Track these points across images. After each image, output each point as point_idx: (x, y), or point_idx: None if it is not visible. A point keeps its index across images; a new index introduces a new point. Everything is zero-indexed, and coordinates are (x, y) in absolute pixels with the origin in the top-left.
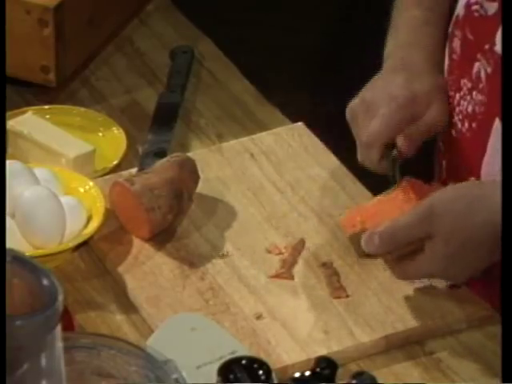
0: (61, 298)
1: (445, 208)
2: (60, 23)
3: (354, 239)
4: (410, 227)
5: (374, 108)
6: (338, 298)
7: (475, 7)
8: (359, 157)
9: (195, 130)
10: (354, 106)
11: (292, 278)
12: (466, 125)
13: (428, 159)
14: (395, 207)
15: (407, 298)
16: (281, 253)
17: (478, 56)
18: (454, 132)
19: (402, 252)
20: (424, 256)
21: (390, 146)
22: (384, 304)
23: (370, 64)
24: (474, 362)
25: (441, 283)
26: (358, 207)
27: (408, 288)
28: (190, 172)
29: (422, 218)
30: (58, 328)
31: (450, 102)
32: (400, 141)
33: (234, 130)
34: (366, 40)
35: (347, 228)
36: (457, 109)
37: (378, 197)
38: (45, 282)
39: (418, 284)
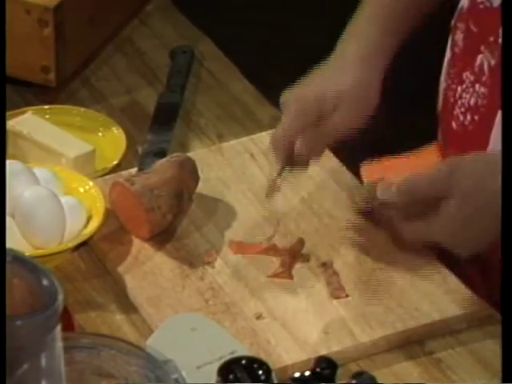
0: (61, 297)
1: (465, 170)
2: (60, 23)
3: (369, 188)
4: (430, 183)
5: (284, 108)
6: (338, 298)
7: None
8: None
9: (195, 130)
10: (280, 105)
11: (291, 277)
12: (469, 117)
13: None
14: (420, 166)
15: (407, 298)
16: (280, 255)
17: (482, 48)
18: (455, 125)
19: (414, 210)
20: (437, 216)
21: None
22: (384, 304)
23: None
24: (474, 362)
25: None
26: (381, 160)
27: (408, 288)
28: (190, 172)
29: (442, 176)
30: (58, 328)
31: (449, 96)
32: (297, 145)
33: (234, 130)
34: None
35: (366, 175)
36: (459, 102)
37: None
38: (45, 281)
39: (404, 278)
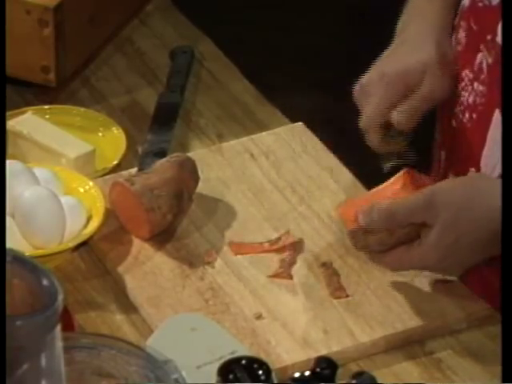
0: (61, 297)
1: (446, 199)
2: (60, 23)
3: (354, 234)
4: (410, 210)
5: (368, 90)
6: (338, 298)
7: None
8: (367, 141)
9: (195, 130)
10: (355, 91)
11: (291, 277)
12: (467, 115)
13: (425, 151)
14: (393, 197)
15: (407, 298)
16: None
17: (481, 47)
18: (454, 123)
19: (393, 237)
20: (419, 245)
21: (389, 124)
22: (384, 304)
23: (370, 64)
24: (474, 362)
25: (427, 278)
26: (355, 199)
27: (408, 288)
28: (190, 172)
29: (423, 205)
30: (58, 328)
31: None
32: (394, 117)
33: (234, 130)
34: (366, 40)
35: (347, 222)
36: (458, 100)
37: (377, 187)
38: (45, 282)
39: (404, 278)
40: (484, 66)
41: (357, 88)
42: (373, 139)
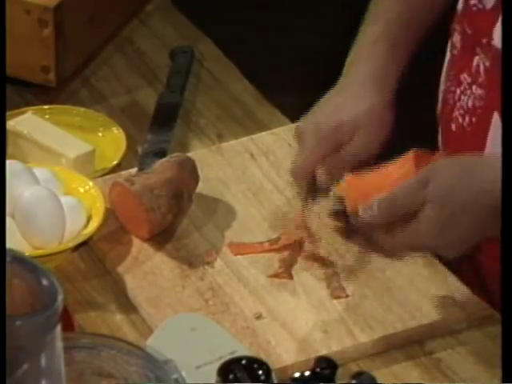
0: (61, 298)
1: (441, 173)
2: (60, 23)
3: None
4: (408, 193)
5: (302, 138)
6: (338, 298)
7: (473, 1)
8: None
9: (195, 130)
10: (293, 135)
11: (291, 277)
12: (467, 119)
13: None
14: (395, 179)
15: (407, 298)
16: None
17: (477, 50)
18: (454, 127)
19: (394, 222)
20: (417, 222)
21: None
22: (384, 304)
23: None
24: (474, 362)
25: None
26: (358, 178)
27: (408, 288)
28: (189, 172)
29: (420, 183)
30: (58, 328)
31: (448, 98)
32: (319, 173)
33: (234, 130)
34: None
35: (349, 200)
36: (457, 104)
37: (383, 168)
38: (45, 282)
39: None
40: (481, 69)
41: (295, 131)
42: (298, 187)
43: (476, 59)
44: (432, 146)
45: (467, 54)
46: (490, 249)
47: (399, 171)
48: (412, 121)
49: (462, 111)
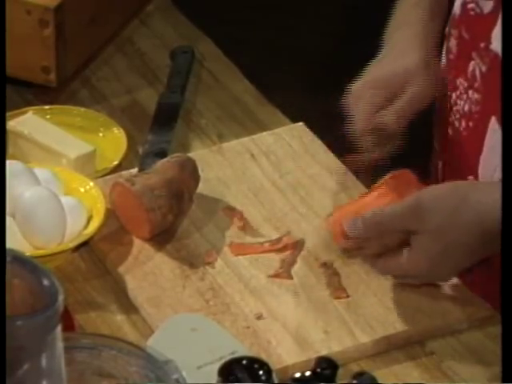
0: (61, 298)
1: (433, 205)
2: (60, 23)
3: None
4: (396, 217)
5: (356, 96)
6: (339, 298)
7: (471, 6)
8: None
9: (196, 131)
10: (345, 100)
11: (291, 277)
12: (464, 124)
13: (423, 160)
14: (376, 204)
15: (407, 299)
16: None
17: (473, 55)
18: (450, 131)
19: (383, 245)
20: (409, 252)
21: (379, 129)
22: (384, 304)
23: (369, 64)
24: (475, 363)
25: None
26: (341, 208)
27: (408, 288)
28: (190, 172)
29: (410, 211)
30: (59, 328)
31: (444, 103)
32: (386, 117)
33: (235, 131)
34: (367, 40)
35: (335, 236)
36: (454, 108)
37: (363, 195)
38: (45, 282)
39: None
40: (477, 73)
41: (346, 97)
42: (364, 144)
43: (472, 64)
44: (428, 152)
45: (463, 59)
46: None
47: (378, 200)
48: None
49: (458, 116)
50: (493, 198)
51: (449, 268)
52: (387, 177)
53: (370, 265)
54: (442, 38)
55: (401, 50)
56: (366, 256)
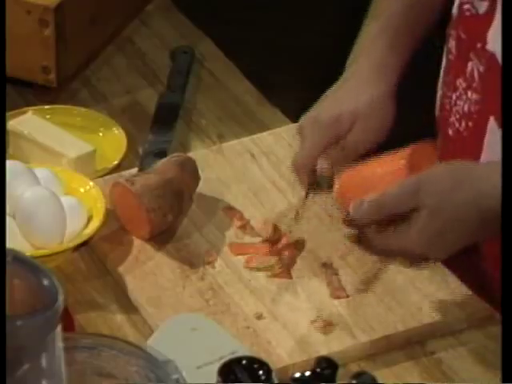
0: (61, 298)
1: (432, 182)
2: (60, 23)
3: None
4: (399, 198)
5: (303, 133)
6: (339, 298)
7: (467, 6)
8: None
9: (196, 130)
10: (296, 130)
11: (291, 277)
12: (463, 124)
13: None
14: (387, 174)
15: (407, 298)
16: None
17: (471, 55)
18: (451, 132)
19: (385, 223)
20: (409, 228)
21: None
22: (384, 304)
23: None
24: (475, 362)
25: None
26: (352, 173)
27: (408, 288)
28: (190, 172)
29: (410, 191)
30: (59, 328)
31: (445, 104)
32: (320, 166)
33: (235, 130)
34: None
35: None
36: (454, 109)
37: (378, 160)
38: (45, 282)
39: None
40: (475, 74)
41: (297, 127)
42: (300, 182)
43: (470, 64)
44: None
45: (462, 59)
46: (490, 249)
47: (393, 165)
48: (413, 124)
49: (458, 116)
50: (491, 176)
51: (446, 245)
52: (406, 150)
53: (370, 237)
54: (443, 40)
55: (354, 86)
56: (367, 233)
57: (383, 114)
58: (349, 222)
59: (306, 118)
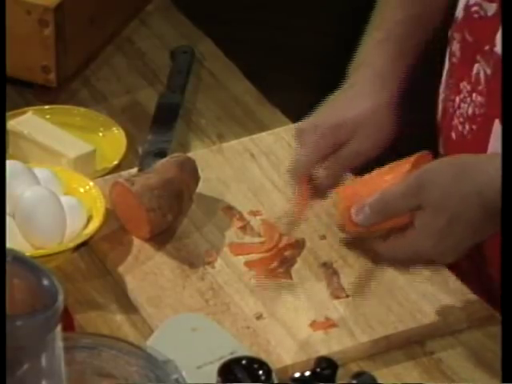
0: (61, 298)
1: (433, 178)
2: (60, 23)
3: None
4: (400, 197)
5: (302, 138)
6: (338, 298)
7: (475, 8)
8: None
9: (195, 130)
10: (294, 133)
11: (291, 277)
12: (467, 127)
13: None
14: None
15: (407, 298)
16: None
17: (478, 57)
18: (454, 135)
19: (390, 227)
20: (414, 230)
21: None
22: (384, 304)
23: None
24: (474, 362)
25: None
26: (354, 185)
27: (408, 288)
28: (190, 172)
29: (411, 189)
30: (59, 328)
31: (448, 107)
32: (318, 174)
33: (235, 130)
34: None
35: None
36: (457, 112)
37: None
38: (45, 282)
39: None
40: (481, 76)
41: (295, 131)
42: (298, 189)
43: (476, 67)
44: (433, 156)
45: (467, 62)
46: (491, 248)
47: (395, 174)
48: (414, 129)
49: (461, 119)
50: (492, 168)
51: (453, 245)
52: (405, 161)
53: (376, 248)
54: (445, 44)
55: (356, 94)
56: (373, 240)
57: (384, 123)
58: (353, 229)
59: (305, 124)
